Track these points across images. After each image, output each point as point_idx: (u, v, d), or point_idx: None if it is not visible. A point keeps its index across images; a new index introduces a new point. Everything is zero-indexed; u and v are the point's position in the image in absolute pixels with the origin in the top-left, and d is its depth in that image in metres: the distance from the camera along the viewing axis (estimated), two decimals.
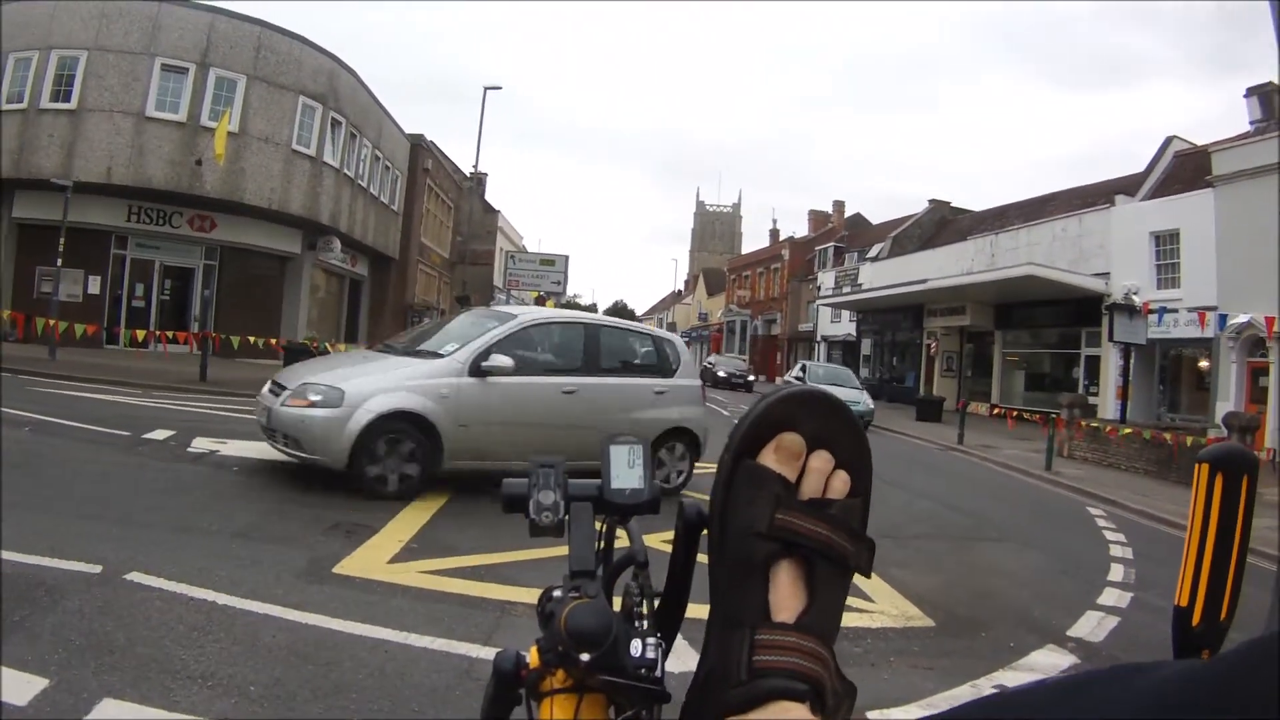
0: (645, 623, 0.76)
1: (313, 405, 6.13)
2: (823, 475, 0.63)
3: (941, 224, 35.69)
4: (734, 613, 0.59)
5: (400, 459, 6.27)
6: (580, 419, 6.94)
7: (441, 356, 6.71)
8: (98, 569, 3.86)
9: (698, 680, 0.60)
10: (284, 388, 6.44)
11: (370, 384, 6.36)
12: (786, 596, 0.59)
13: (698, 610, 0.76)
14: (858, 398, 18.85)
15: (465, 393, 6.49)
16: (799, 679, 0.54)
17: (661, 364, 7.89)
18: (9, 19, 16.75)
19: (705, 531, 0.66)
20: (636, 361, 7.94)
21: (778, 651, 0.56)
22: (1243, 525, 0.89)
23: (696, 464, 7.75)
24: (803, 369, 23.53)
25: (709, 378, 33.22)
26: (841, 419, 0.65)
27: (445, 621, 3.81)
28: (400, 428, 6.26)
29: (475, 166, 28.03)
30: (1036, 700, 0.46)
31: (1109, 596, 5.72)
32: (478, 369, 6.54)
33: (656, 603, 0.80)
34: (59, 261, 15.24)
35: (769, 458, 0.62)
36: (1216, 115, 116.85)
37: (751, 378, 33.02)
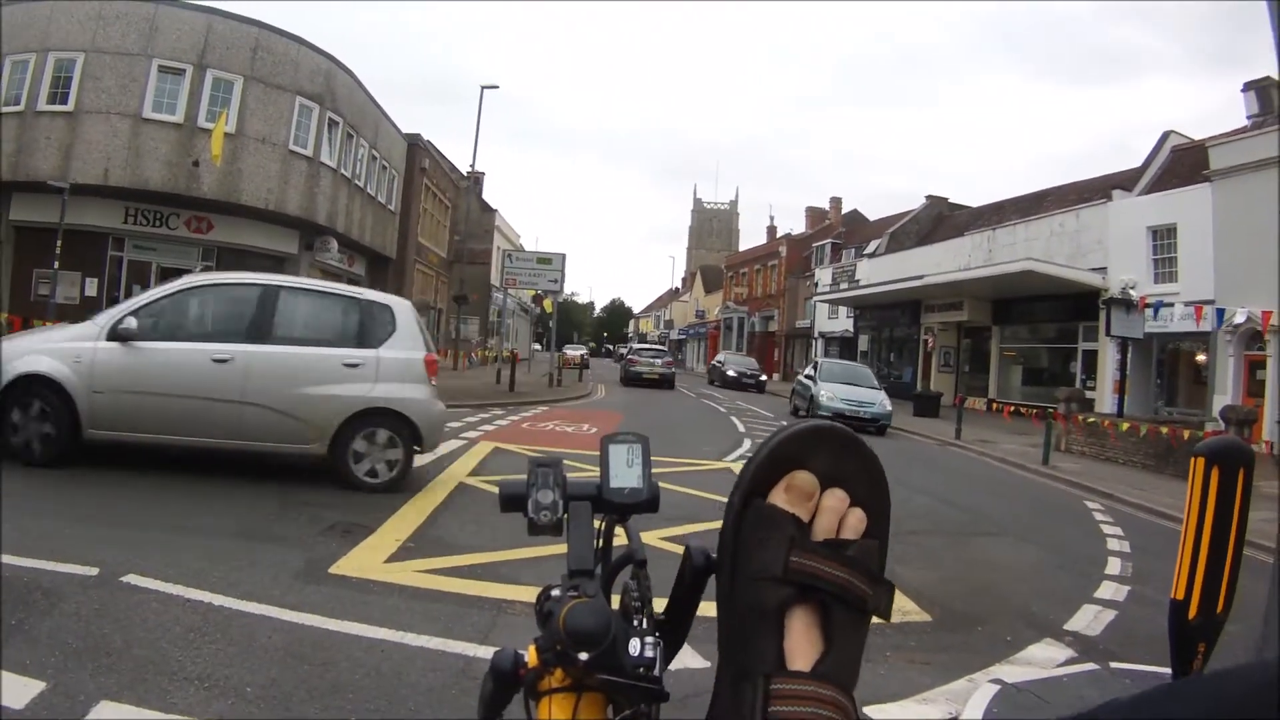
0: (644, 622, 0.76)
1: None
2: (837, 514, 0.60)
3: (939, 220, 35.76)
4: (746, 662, 0.56)
5: (38, 425, 6.00)
6: (236, 392, 6.27)
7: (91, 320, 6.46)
8: (94, 571, 3.86)
9: None
10: None
11: (19, 347, 6.25)
12: (802, 643, 0.56)
13: (701, 609, 0.76)
14: (875, 398, 17.75)
15: (101, 358, 6.12)
16: None
17: (364, 332, 6.73)
18: (5, 21, 16.71)
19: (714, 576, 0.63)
20: (323, 328, 6.81)
21: (795, 702, 0.52)
22: (1239, 518, 0.89)
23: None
24: (815, 367, 20.86)
25: (717, 376, 32.62)
26: (856, 455, 0.62)
27: (442, 621, 3.81)
28: (38, 392, 5.98)
29: (472, 166, 27.85)
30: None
31: (1106, 590, 5.72)
32: (115, 333, 6.18)
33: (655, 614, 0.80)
34: (56, 264, 15.24)
35: (780, 497, 0.60)
36: (1214, 110, 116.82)
37: (763, 378, 32.00)
